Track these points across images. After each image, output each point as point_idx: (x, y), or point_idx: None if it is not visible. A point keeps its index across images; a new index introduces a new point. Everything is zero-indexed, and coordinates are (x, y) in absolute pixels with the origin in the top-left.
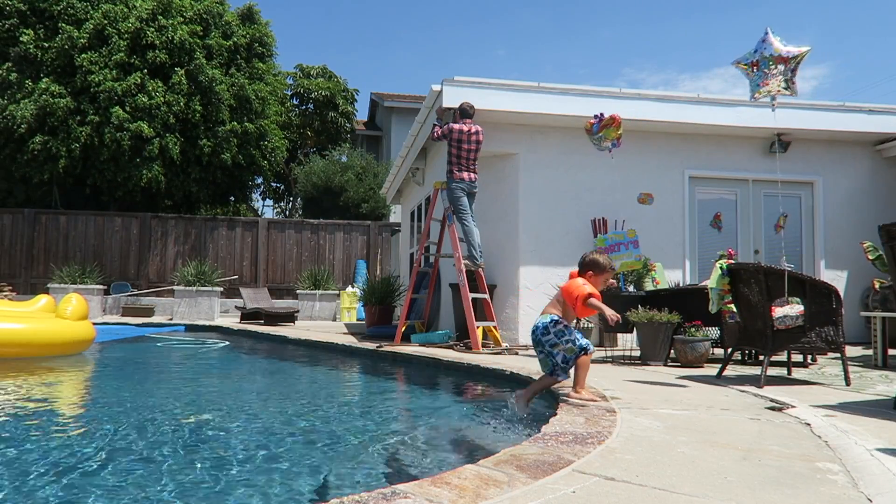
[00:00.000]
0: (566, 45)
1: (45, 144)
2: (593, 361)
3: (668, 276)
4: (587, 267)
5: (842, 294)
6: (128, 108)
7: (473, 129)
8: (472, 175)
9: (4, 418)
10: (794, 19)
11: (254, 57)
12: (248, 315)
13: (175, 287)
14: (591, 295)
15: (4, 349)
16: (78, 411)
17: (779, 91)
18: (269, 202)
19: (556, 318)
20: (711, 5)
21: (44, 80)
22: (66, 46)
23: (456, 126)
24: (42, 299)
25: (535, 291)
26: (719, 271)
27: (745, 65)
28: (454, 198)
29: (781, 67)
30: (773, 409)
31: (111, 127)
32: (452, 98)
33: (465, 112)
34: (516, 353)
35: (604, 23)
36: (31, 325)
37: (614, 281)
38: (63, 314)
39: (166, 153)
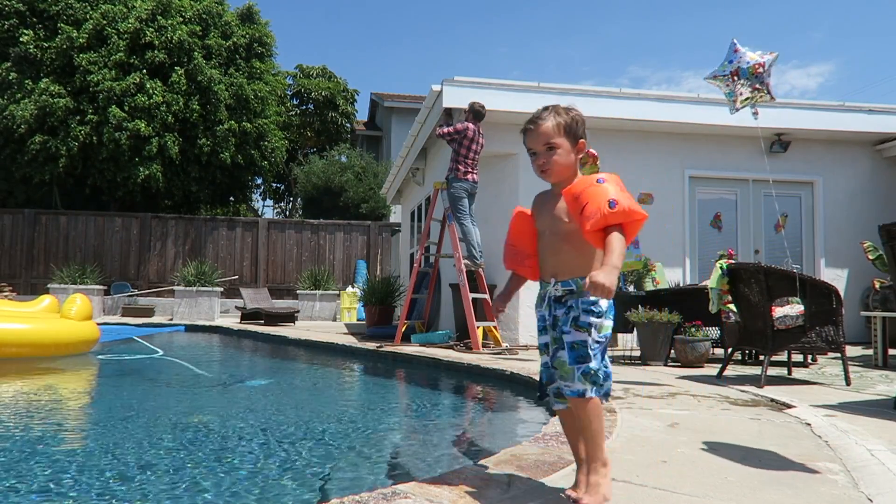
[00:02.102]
0: (569, 43)
1: (45, 144)
2: None
3: (668, 276)
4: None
5: (842, 294)
6: (126, 108)
7: (481, 132)
8: (475, 176)
9: (8, 419)
10: (799, 14)
11: (253, 57)
12: (248, 315)
13: (175, 287)
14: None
15: (10, 349)
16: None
17: (761, 98)
18: (270, 202)
19: None
20: (716, 1)
21: (43, 80)
22: (66, 46)
23: (471, 125)
24: (45, 300)
25: (534, 291)
26: (719, 271)
27: (723, 77)
28: (456, 197)
29: (760, 72)
30: (773, 408)
31: (110, 126)
32: (453, 98)
33: (478, 114)
34: (517, 354)
35: (608, 20)
36: (37, 325)
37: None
38: (68, 314)
39: (165, 152)
